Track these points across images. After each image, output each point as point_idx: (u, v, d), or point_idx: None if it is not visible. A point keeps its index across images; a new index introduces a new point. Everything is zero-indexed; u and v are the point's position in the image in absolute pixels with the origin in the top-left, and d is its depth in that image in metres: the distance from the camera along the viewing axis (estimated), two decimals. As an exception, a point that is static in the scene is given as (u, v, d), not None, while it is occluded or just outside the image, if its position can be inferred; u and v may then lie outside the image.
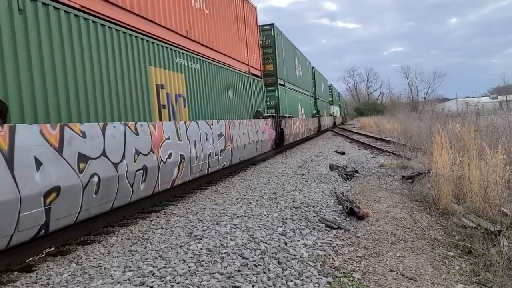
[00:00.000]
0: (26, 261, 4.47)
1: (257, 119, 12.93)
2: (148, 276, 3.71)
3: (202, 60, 9.06)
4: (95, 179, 4.96)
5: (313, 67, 30.05)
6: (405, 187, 7.86)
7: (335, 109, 47.62)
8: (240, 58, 12.03)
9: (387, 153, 13.98)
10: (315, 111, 28.40)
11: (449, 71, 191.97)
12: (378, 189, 7.80)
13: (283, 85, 17.52)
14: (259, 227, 5.20)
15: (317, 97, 30.16)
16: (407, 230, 5.25)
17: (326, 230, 5.28)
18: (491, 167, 5.59)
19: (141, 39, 6.56)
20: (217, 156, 8.99)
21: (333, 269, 3.98)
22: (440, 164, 6.49)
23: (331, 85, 48.04)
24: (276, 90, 16.27)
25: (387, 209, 6.23)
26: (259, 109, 13.53)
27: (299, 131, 20.19)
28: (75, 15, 5.07)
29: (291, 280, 3.65)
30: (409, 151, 11.64)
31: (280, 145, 15.99)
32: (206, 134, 8.46)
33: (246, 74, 12.56)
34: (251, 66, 13.12)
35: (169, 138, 6.85)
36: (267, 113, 14.85)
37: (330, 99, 43.95)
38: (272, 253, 4.25)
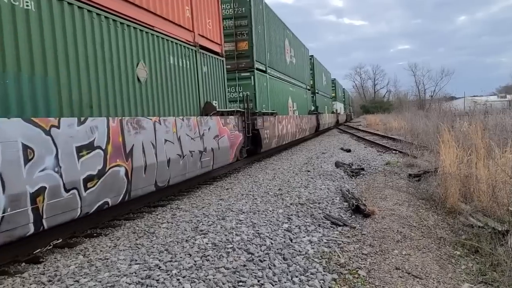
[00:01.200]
0: (34, 252, 4.51)
1: (206, 116, 8.40)
2: (154, 270, 3.73)
3: None
4: None
5: (311, 55, 25.90)
6: (412, 185, 7.83)
7: (339, 106, 43.90)
8: (175, 17, 7.43)
9: (394, 151, 13.92)
10: (313, 108, 24.64)
11: (457, 70, 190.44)
12: (384, 187, 7.77)
13: (264, 71, 13.49)
14: (265, 223, 5.20)
15: (316, 91, 26.17)
16: (413, 228, 5.23)
17: (331, 227, 5.28)
18: (500, 166, 5.54)
19: None
20: (75, 190, 4.56)
21: (338, 266, 3.98)
22: (447, 162, 6.45)
23: (335, 79, 43.29)
24: (252, 77, 12.19)
25: (393, 207, 6.21)
26: (214, 102, 9.11)
27: (288, 132, 16.02)
28: None
29: (296, 276, 3.66)
30: (415, 149, 11.58)
31: (257, 151, 12.23)
32: (23, 149, 3.94)
33: (189, 46, 7.97)
34: (199, 35, 8.52)
35: None
36: (235, 108, 10.90)
37: (333, 94, 39.80)
38: (277, 249, 4.26)
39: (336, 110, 40.13)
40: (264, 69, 13.47)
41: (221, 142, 8.99)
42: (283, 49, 16.86)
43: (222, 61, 9.97)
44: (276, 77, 15.14)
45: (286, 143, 16.35)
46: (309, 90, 23.42)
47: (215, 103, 9.22)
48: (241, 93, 12.01)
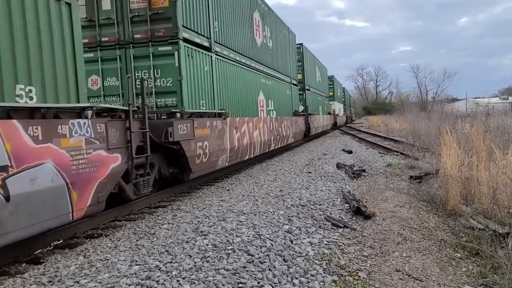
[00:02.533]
0: (35, 253, 4.52)
1: None
2: (154, 271, 3.74)
3: None
4: None
5: (300, 44, 20.84)
6: (413, 187, 7.82)
7: (338, 106, 39.64)
8: None
9: (395, 153, 13.90)
10: (302, 108, 20.36)
11: (459, 71, 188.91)
12: (385, 188, 7.76)
13: (207, 48, 8.77)
14: (265, 224, 5.20)
15: (306, 87, 21.48)
16: (413, 230, 5.22)
17: (332, 228, 5.28)
18: (501, 169, 5.53)
19: None
20: None
21: (338, 268, 3.98)
22: (449, 164, 6.45)
23: (333, 76, 37.97)
24: (176, 54, 7.43)
25: (394, 208, 6.21)
26: (26, 88, 4.21)
27: (253, 142, 11.20)
28: None
29: (296, 278, 3.66)
30: (417, 151, 11.56)
31: (184, 178, 7.45)
32: None
33: None
34: None
35: None
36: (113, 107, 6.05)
37: (331, 93, 34.96)
38: (277, 251, 4.26)
39: (334, 111, 35.32)
40: (207, 44, 8.74)
41: (22, 183, 3.89)
42: (250, 24, 12.01)
43: (69, 6, 4.89)
44: (233, 60, 10.35)
45: (251, 157, 11.44)
46: (295, 85, 18.81)
47: (29, 90, 4.27)
48: (159, 80, 7.54)
